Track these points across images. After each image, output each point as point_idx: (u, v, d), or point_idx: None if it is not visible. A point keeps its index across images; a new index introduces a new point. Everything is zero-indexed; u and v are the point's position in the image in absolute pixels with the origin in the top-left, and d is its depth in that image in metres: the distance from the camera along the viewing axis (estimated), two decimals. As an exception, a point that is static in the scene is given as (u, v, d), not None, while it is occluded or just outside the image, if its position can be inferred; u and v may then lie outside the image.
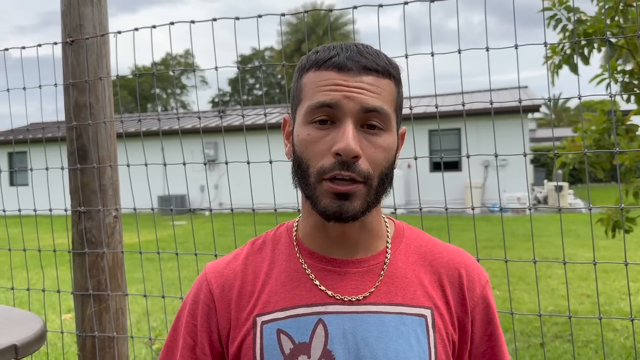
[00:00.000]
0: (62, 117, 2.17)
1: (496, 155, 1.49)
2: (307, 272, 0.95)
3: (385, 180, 0.90)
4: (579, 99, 1.45)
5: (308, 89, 0.89)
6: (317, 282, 0.93)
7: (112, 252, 2.01)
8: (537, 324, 5.17)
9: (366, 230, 0.95)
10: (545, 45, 1.46)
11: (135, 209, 2.01)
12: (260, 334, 0.92)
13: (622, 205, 1.48)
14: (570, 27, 3.70)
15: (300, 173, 0.90)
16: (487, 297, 1.00)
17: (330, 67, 0.88)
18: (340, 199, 0.86)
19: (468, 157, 1.53)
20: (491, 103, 1.47)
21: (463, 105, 1.44)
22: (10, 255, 2.28)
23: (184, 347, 0.98)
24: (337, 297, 0.92)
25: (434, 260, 0.99)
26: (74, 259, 2.03)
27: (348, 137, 0.84)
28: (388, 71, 0.90)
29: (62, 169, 2.06)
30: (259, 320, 0.93)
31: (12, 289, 2.28)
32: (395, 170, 0.96)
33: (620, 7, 3.34)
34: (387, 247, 0.98)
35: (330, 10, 1.65)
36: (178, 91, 44.78)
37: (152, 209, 1.80)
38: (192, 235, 11.94)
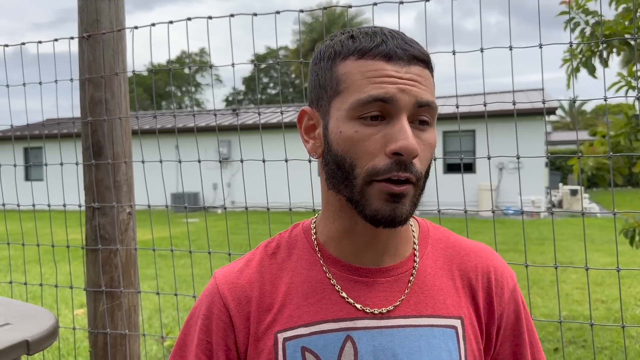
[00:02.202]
0: (77, 113, 2.17)
1: (518, 158, 1.45)
2: (332, 282, 0.86)
3: (425, 179, 0.83)
4: (605, 100, 1.41)
5: (352, 80, 0.79)
6: (344, 294, 0.85)
7: (125, 249, 2.00)
8: (550, 329, 5.11)
9: (396, 233, 0.87)
10: (571, 45, 1.42)
11: (149, 206, 1.99)
12: (282, 352, 0.84)
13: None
14: (588, 30, 3.64)
15: (342, 174, 0.80)
16: (516, 299, 0.94)
17: (377, 55, 0.78)
18: (395, 202, 0.78)
19: (489, 158, 1.50)
20: (514, 104, 1.43)
21: (485, 105, 1.41)
22: (23, 250, 2.28)
23: None
24: (367, 311, 0.84)
25: (462, 264, 0.92)
26: (87, 255, 2.03)
27: (408, 135, 0.76)
28: (430, 62, 0.83)
29: (77, 164, 2.06)
30: (280, 337, 0.84)
31: (25, 283, 2.28)
32: None
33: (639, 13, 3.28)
34: (415, 251, 0.90)
35: (350, 7, 1.62)
36: (192, 89, 44.97)
37: (167, 206, 1.79)
38: (204, 232, 11.99)
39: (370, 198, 0.79)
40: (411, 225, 0.92)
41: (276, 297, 0.87)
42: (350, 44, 0.81)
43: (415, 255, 0.90)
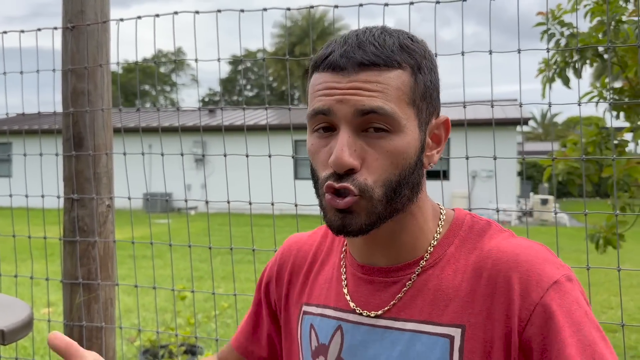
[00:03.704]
0: (50, 107, 2.15)
1: (495, 158, 1.50)
2: (342, 272, 0.91)
3: (397, 188, 0.78)
4: (579, 104, 1.46)
5: (310, 94, 0.82)
6: (345, 288, 0.89)
7: (103, 242, 1.99)
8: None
9: (395, 239, 0.85)
10: (548, 52, 1.48)
11: (130, 198, 1.99)
12: (301, 321, 0.94)
13: (617, 212, 1.50)
14: (563, 41, 3.75)
15: (314, 184, 0.84)
16: (549, 304, 0.75)
17: (325, 67, 0.79)
18: (343, 213, 0.79)
19: (467, 158, 1.55)
20: (492, 105, 1.48)
21: (464, 106, 1.45)
22: (-2, 242, 2.25)
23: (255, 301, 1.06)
24: (357, 310, 0.86)
25: (483, 263, 0.80)
26: (64, 247, 2.01)
27: (339, 149, 0.76)
28: (395, 60, 0.77)
29: (57, 155, 2.05)
30: (304, 308, 0.94)
31: (-1, 275, 2.25)
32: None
33: (612, 24, 3.39)
34: (426, 253, 0.85)
35: (336, 7, 1.66)
36: (168, 88, 44.59)
37: (148, 199, 1.79)
38: (175, 233, 11.90)
39: (325, 208, 0.82)
40: (439, 224, 0.87)
41: (312, 270, 0.96)
42: (317, 56, 0.82)
43: (424, 258, 0.85)
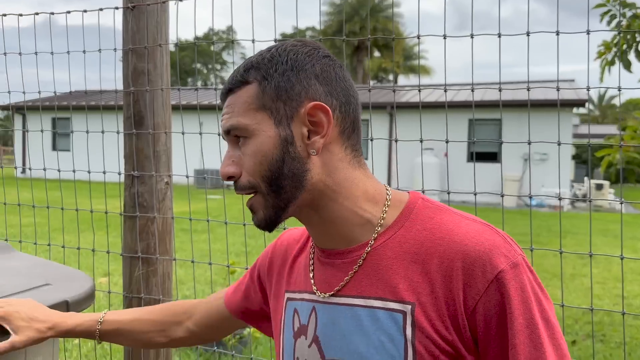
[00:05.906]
0: (110, 84, 2.20)
1: (559, 144, 1.45)
2: (311, 260, 1.01)
3: (276, 181, 0.89)
4: (619, 90, 1.39)
5: None
6: (311, 273, 0.99)
7: (162, 217, 2.05)
8: (569, 321, 5.10)
9: (334, 225, 0.93)
10: (620, 34, 1.41)
11: (187, 176, 2.03)
12: (286, 307, 1.03)
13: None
14: (624, 22, 3.57)
15: None
16: (500, 292, 0.81)
17: (220, 96, 0.96)
18: (252, 212, 0.94)
19: (529, 143, 1.50)
20: (557, 89, 1.43)
21: (528, 89, 1.40)
22: (62, 215, 2.35)
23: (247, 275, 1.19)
24: (318, 292, 0.96)
25: (431, 248, 0.86)
26: (125, 222, 2.08)
27: (222, 162, 0.93)
28: (240, 80, 0.91)
29: (118, 133, 2.11)
30: (287, 295, 1.03)
31: (63, 247, 2.35)
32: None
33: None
34: (374, 234, 0.91)
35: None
36: (218, 67, 45.04)
37: (205, 178, 1.83)
38: (226, 209, 12.09)
39: None
40: (385, 209, 0.92)
41: (297, 260, 1.06)
42: None
43: (371, 240, 0.91)
